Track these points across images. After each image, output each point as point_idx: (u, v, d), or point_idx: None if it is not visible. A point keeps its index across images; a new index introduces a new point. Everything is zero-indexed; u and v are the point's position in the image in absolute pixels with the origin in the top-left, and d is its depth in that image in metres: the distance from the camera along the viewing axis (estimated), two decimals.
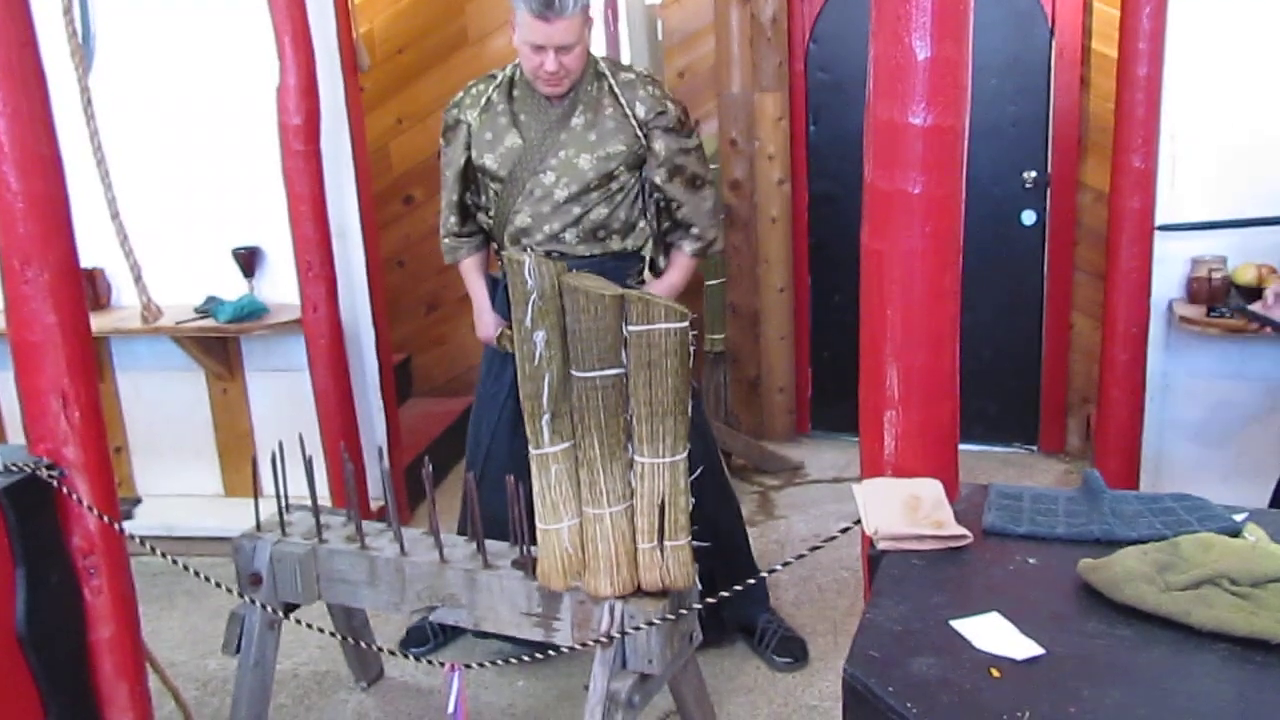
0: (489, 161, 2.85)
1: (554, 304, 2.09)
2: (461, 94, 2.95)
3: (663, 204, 2.90)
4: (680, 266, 2.98)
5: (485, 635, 2.92)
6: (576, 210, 2.80)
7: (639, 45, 4.38)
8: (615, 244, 2.87)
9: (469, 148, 2.89)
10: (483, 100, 2.89)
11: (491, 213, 2.93)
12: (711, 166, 4.25)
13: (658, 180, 2.85)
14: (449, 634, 3.20)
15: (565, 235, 2.82)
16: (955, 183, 1.71)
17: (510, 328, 2.89)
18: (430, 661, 2.41)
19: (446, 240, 3.07)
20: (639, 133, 2.80)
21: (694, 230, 2.93)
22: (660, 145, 2.83)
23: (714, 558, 2.49)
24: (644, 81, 2.85)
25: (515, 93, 2.86)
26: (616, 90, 2.82)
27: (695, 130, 2.93)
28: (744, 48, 4.43)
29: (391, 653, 2.41)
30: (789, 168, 4.56)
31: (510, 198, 2.85)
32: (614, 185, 2.82)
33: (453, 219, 3.03)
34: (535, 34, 2.63)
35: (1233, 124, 3.33)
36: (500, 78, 2.91)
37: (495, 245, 2.99)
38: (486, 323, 3.05)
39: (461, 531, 2.89)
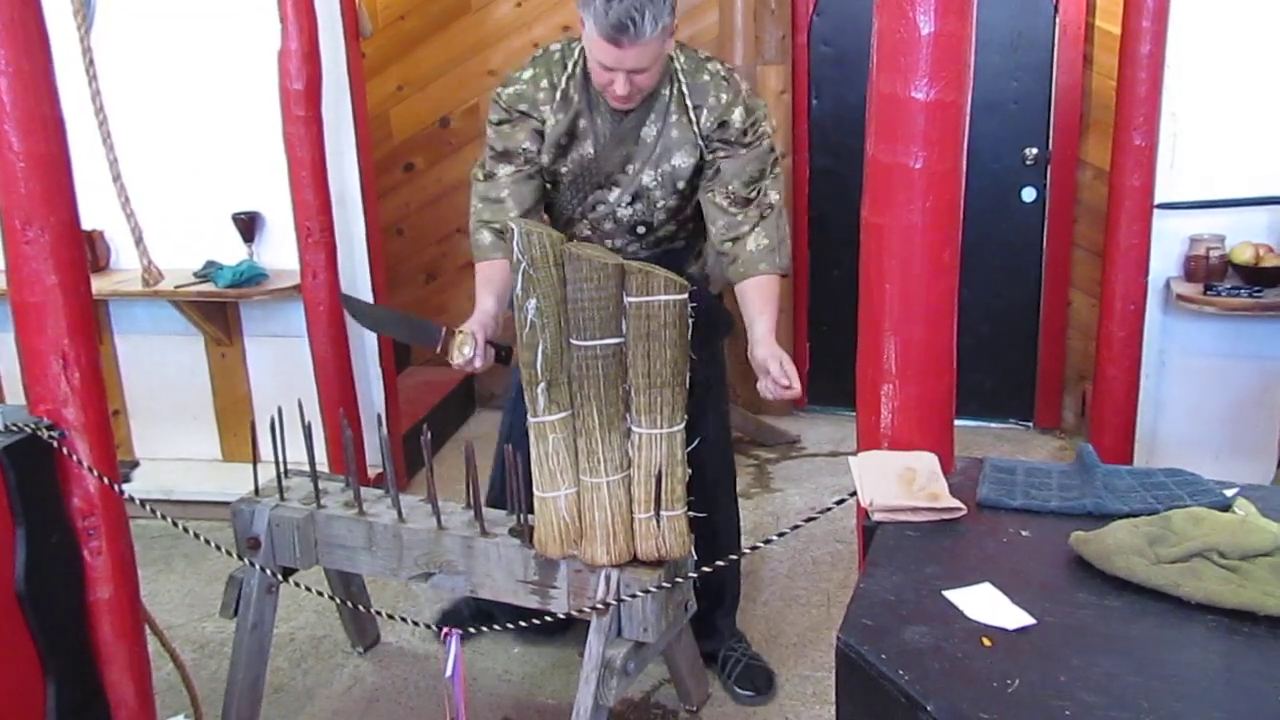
0: (562, 167, 2.57)
1: (548, 273, 2.09)
2: (524, 85, 2.52)
3: (707, 223, 2.57)
4: (752, 297, 2.51)
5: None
6: (641, 230, 2.63)
7: None
8: (680, 243, 2.71)
9: (539, 146, 2.55)
10: (557, 95, 2.51)
11: (550, 214, 2.71)
12: None
13: (715, 200, 2.53)
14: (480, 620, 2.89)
15: (628, 249, 2.63)
16: (956, 158, 1.72)
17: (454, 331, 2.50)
18: (427, 626, 2.42)
19: (484, 242, 2.60)
20: (701, 144, 2.51)
21: (733, 255, 2.54)
22: (719, 161, 2.51)
23: (702, 551, 2.33)
24: (716, 85, 2.50)
25: (593, 88, 2.50)
26: (686, 95, 2.50)
27: (760, 140, 2.53)
28: (747, 20, 4.41)
29: (389, 617, 2.43)
30: (790, 142, 4.55)
31: (571, 205, 2.63)
32: (683, 204, 2.59)
33: (514, 209, 2.56)
34: (605, 55, 2.31)
35: (1233, 103, 3.33)
36: (570, 67, 2.51)
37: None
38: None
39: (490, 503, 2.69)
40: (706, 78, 2.51)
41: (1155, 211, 3.34)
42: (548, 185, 2.62)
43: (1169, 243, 3.43)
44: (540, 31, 4.65)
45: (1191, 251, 3.40)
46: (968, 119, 1.72)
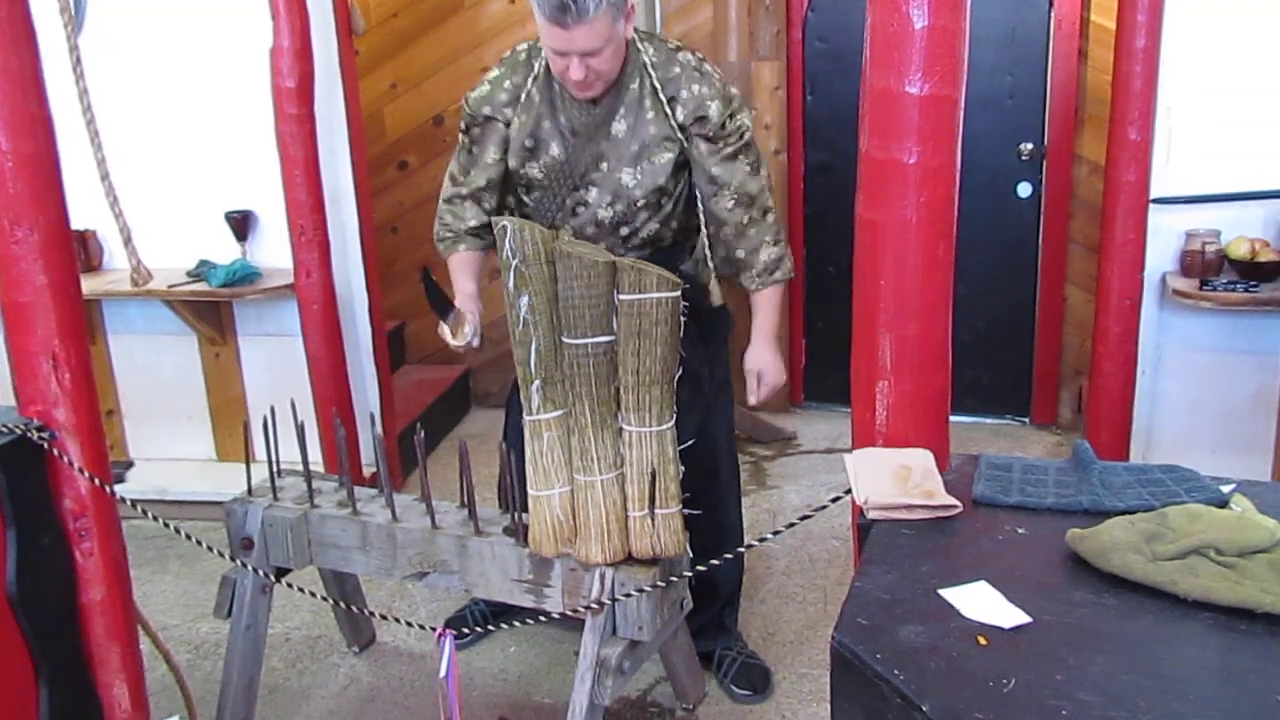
0: (534, 171, 2.56)
1: (540, 270, 2.08)
2: (488, 87, 2.56)
3: (710, 227, 2.58)
4: (761, 305, 2.68)
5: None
6: (625, 231, 2.56)
7: (637, 11, 4.35)
8: (668, 242, 2.64)
9: (505, 153, 2.58)
10: (521, 96, 2.53)
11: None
12: None
13: (702, 197, 2.54)
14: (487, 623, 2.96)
15: (615, 252, 2.46)
16: (950, 153, 1.71)
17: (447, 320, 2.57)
18: (422, 626, 2.41)
19: (448, 236, 2.69)
20: (680, 138, 2.48)
21: (746, 264, 2.61)
22: (700, 155, 2.49)
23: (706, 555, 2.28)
24: (689, 76, 2.46)
25: (556, 86, 2.51)
26: (658, 88, 2.46)
27: (743, 135, 2.50)
28: (742, 15, 4.40)
29: (383, 617, 2.42)
30: (785, 137, 4.54)
31: (548, 211, 2.59)
32: (664, 200, 2.54)
33: (471, 219, 2.66)
34: (554, 39, 2.33)
35: (1228, 97, 3.32)
36: (536, 68, 2.52)
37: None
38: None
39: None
40: (678, 69, 2.47)
41: (1151, 206, 3.34)
42: (532, 193, 2.61)
43: (1165, 238, 3.42)
44: (533, 29, 4.62)
45: (1187, 246, 3.39)
46: (962, 114, 1.71)
